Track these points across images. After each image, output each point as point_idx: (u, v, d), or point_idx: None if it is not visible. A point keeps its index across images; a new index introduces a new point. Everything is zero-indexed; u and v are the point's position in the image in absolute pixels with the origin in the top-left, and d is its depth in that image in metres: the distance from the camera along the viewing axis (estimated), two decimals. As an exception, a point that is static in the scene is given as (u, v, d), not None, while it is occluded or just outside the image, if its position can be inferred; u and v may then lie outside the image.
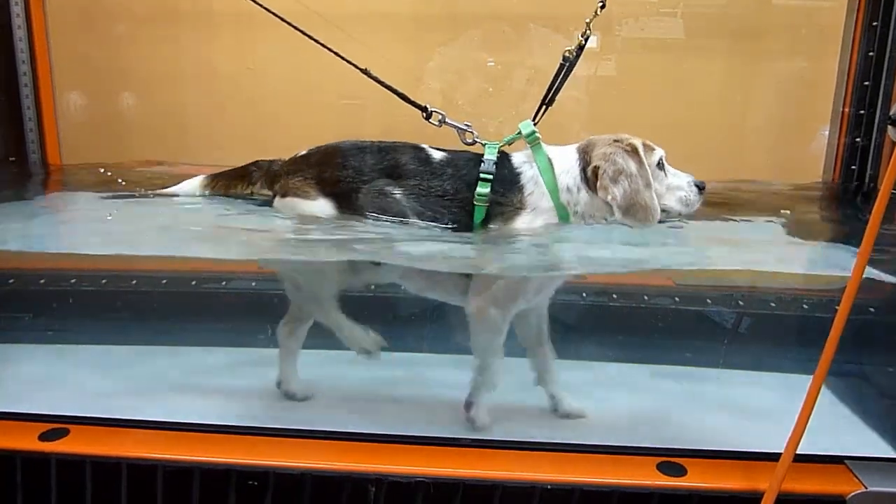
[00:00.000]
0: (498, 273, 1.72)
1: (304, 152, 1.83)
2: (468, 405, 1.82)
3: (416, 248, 1.65)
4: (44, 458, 1.53)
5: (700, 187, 1.71)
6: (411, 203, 1.69)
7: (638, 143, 1.68)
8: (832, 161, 2.62)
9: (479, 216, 1.67)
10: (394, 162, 1.72)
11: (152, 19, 2.87)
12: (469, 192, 1.67)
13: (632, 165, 1.64)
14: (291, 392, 1.97)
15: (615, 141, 1.69)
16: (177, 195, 1.92)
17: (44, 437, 1.59)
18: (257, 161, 1.90)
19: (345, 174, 1.72)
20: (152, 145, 2.90)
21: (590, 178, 1.67)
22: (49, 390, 1.98)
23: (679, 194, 1.70)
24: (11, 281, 2.57)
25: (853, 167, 2.55)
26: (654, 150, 1.70)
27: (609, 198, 1.64)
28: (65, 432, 1.61)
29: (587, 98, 2.63)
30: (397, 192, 1.69)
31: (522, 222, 1.68)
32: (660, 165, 1.70)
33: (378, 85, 1.86)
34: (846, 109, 2.57)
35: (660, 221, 1.69)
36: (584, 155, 1.70)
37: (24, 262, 2.60)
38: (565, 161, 1.71)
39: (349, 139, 1.82)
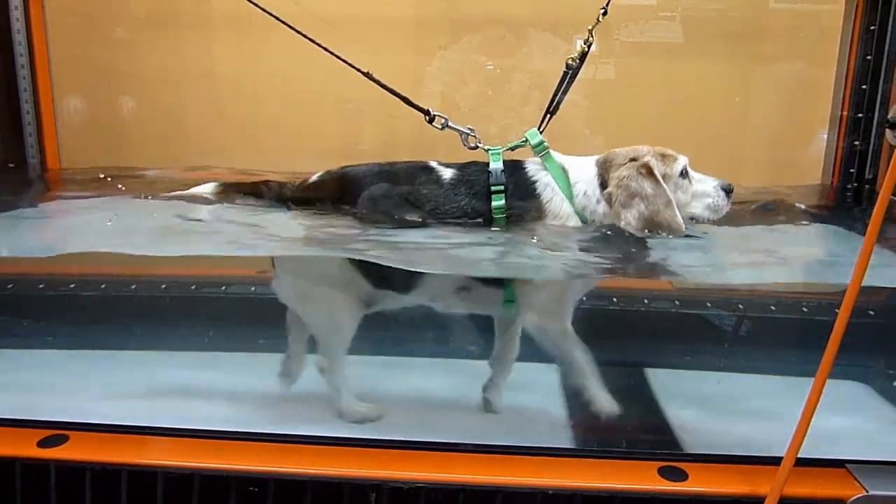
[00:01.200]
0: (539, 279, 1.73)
1: (315, 178, 1.82)
2: (589, 401, 1.78)
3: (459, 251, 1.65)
4: (43, 465, 1.53)
5: (727, 190, 1.70)
6: (426, 221, 1.69)
7: (653, 160, 1.66)
8: (831, 164, 2.63)
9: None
10: (408, 187, 1.72)
11: (152, 23, 2.87)
12: (485, 206, 1.68)
13: (647, 187, 1.63)
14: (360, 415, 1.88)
15: (632, 160, 1.67)
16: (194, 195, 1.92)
17: (43, 443, 1.58)
18: (268, 181, 1.89)
19: (360, 204, 1.72)
20: (152, 149, 2.90)
21: (609, 197, 1.68)
22: (48, 396, 1.98)
23: (706, 201, 1.69)
24: (10, 286, 2.56)
25: (852, 170, 2.56)
26: (676, 159, 1.69)
27: (623, 223, 1.65)
28: (64, 439, 1.60)
29: (587, 102, 2.63)
30: (416, 218, 1.70)
31: (544, 228, 1.69)
32: (683, 174, 1.69)
33: (377, 88, 1.86)
34: (844, 113, 2.57)
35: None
36: (603, 171, 1.71)
37: (22, 266, 2.59)
38: (582, 172, 1.72)
39: (358, 165, 1.81)
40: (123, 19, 2.89)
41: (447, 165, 1.77)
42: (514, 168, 1.73)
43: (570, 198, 1.69)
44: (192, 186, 1.94)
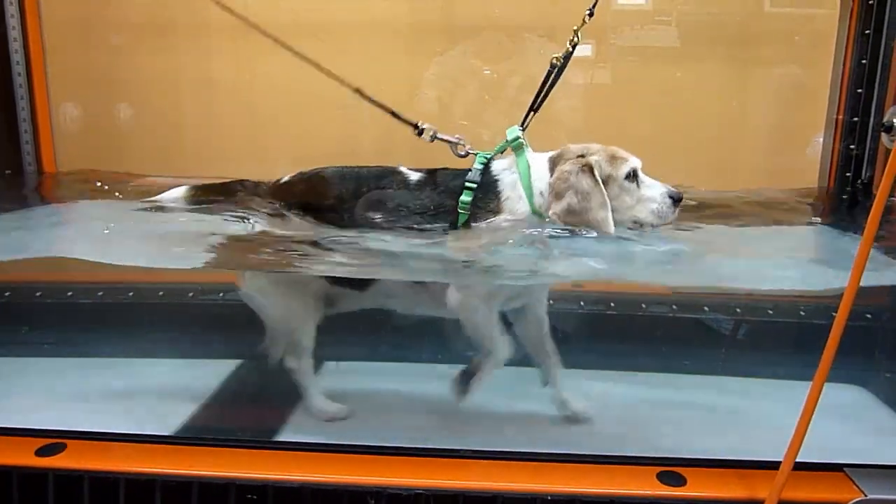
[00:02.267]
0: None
1: (287, 178, 1.87)
2: (464, 375, 1.82)
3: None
4: (41, 474, 1.53)
5: (675, 199, 1.69)
6: (393, 222, 1.72)
7: (600, 160, 1.68)
8: (827, 168, 2.63)
9: (461, 222, 1.71)
10: (375, 186, 1.77)
11: (149, 30, 2.87)
12: (452, 202, 1.71)
13: (583, 184, 1.64)
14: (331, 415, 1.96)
15: (579, 157, 1.69)
16: (160, 203, 1.93)
17: (40, 452, 1.58)
18: (243, 181, 1.93)
19: (328, 204, 1.77)
20: (149, 156, 2.90)
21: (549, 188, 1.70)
22: (45, 404, 1.97)
23: (651, 206, 1.69)
24: (7, 294, 2.56)
25: (848, 174, 2.56)
26: (625, 161, 1.69)
27: (551, 212, 1.67)
28: (62, 447, 1.60)
29: (583, 106, 2.64)
30: (378, 217, 1.73)
31: (498, 224, 1.71)
32: (630, 177, 1.69)
33: (375, 92, 1.87)
34: (840, 117, 2.57)
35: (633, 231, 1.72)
36: (553, 166, 1.73)
37: (19, 274, 2.59)
38: (540, 168, 1.74)
39: (333, 166, 1.85)
40: (120, 26, 2.89)
41: (415, 170, 1.81)
42: (488, 166, 1.76)
43: (530, 196, 1.71)
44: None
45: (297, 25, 1.94)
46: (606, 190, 1.67)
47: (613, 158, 1.70)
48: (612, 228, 1.65)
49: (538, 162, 1.75)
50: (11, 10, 2.74)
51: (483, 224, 1.70)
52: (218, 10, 2.83)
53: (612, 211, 1.67)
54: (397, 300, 1.89)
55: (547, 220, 1.70)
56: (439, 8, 2.80)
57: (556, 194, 1.67)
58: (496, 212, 1.71)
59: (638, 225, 1.71)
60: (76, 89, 2.93)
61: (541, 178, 1.72)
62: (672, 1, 2.70)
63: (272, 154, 2.86)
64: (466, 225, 1.71)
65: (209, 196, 1.92)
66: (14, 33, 2.75)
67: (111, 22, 2.89)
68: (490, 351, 1.81)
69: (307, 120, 2.85)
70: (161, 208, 1.91)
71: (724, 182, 2.58)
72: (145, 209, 1.91)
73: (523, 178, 1.72)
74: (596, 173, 1.66)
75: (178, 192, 1.93)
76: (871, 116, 2.48)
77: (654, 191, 1.70)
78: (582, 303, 2.41)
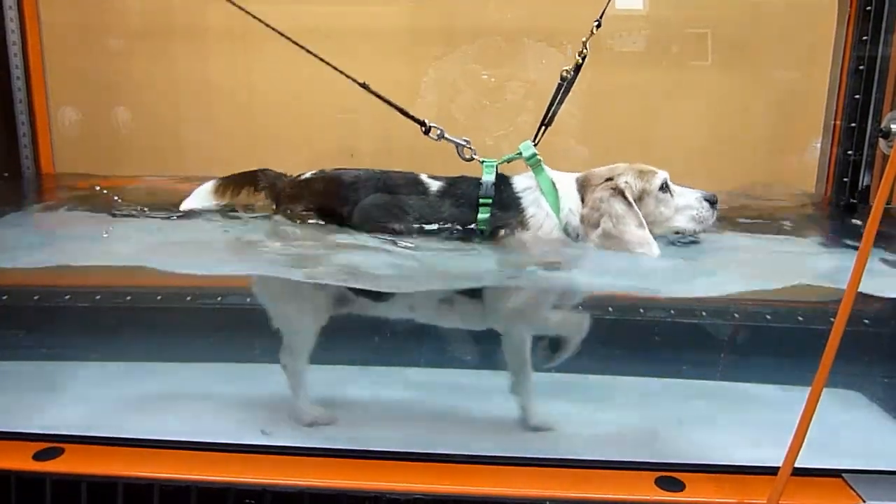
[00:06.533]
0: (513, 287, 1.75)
1: (307, 175, 1.84)
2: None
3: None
4: (39, 479, 1.53)
5: (711, 201, 1.71)
6: (412, 232, 1.70)
7: (630, 179, 1.68)
8: (824, 174, 2.64)
9: (484, 237, 1.69)
10: (394, 192, 1.74)
11: (147, 34, 2.87)
12: (470, 218, 1.69)
13: (617, 208, 1.65)
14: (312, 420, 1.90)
15: (607, 180, 1.70)
16: (192, 208, 1.91)
17: (38, 456, 1.58)
18: (265, 169, 1.91)
19: (346, 209, 1.74)
20: (147, 160, 2.90)
21: (583, 218, 1.70)
22: (43, 409, 1.97)
23: (690, 213, 1.70)
24: (5, 297, 2.55)
25: (845, 180, 2.57)
26: (655, 174, 1.70)
27: (592, 243, 1.66)
28: (59, 451, 1.60)
29: (580, 112, 2.64)
30: (398, 226, 1.71)
31: (526, 240, 1.69)
32: (663, 189, 1.70)
33: (373, 98, 1.87)
34: (837, 122, 2.59)
35: (676, 241, 1.73)
36: (582, 191, 1.72)
37: (17, 278, 2.58)
38: (567, 188, 1.73)
39: (350, 168, 1.84)
40: (118, 30, 2.90)
41: (436, 178, 1.78)
42: (504, 181, 1.75)
43: (557, 212, 1.70)
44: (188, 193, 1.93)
45: (296, 29, 1.93)
46: (643, 205, 1.68)
47: (642, 173, 1.70)
48: (655, 250, 1.64)
49: (564, 182, 1.74)
50: (11, 14, 2.74)
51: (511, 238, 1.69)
52: (216, 14, 2.86)
53: (653, 224, 1.68)
54: (421, 311, 1.86)
55: (577, 237, 1.69)
56: (438, 13, 2.80)
57: (592, 223, 1.66)
58: (522, 228, 1.69)
59: (680, 234, 1.72)
60: (75, 92, 2.93)
61: (568, 195, 1.71)
62: (669, 5, 2.71)
63: (268, 158, 2.84)
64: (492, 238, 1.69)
65: (234, 188, 1.90)
66: (13, 37, 2.76)
67: (109, 25, 2.90)
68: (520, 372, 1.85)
69: (305, 124, 2.85)
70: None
71: (720, 188, 2.58)
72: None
73: (548, 196, 1.71)
74: (628, 195, 1.66)
75: (206, 189, 1.91)
76: (868, 122, 2.49)
77: (688, 198, 1.72)
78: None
